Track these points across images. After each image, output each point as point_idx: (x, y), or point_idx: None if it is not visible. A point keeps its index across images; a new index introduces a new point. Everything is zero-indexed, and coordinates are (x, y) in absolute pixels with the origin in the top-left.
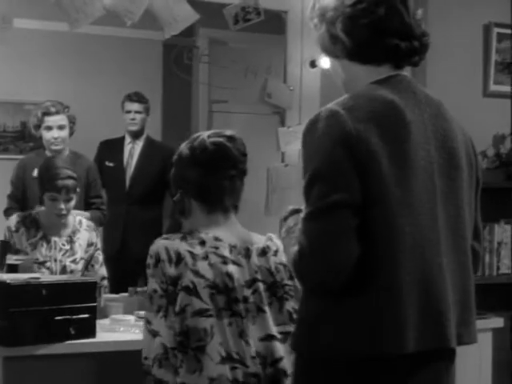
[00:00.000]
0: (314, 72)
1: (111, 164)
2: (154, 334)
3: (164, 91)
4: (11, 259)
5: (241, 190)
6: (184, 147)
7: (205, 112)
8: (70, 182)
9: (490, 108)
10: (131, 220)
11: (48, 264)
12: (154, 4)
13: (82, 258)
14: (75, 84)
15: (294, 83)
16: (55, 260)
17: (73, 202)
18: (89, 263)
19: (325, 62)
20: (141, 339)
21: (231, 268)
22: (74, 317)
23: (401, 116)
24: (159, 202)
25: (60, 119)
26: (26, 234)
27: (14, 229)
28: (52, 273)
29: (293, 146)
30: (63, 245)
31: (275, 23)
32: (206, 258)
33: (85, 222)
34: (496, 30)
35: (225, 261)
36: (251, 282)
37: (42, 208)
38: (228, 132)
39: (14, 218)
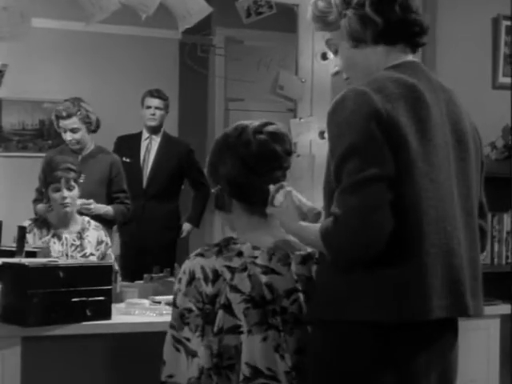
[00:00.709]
0: (326, 64)
1: (128, 159)
2: (193, 354)
3: (180, 89)
4: (30, 247)
5: None
6: (224, 137)
7: (221, 109)
8: (69, 172)
9: (499, 100)
10: (148, 214)
11: (62, 259)
12: None
13: (91, 254)
14: (92, 82)
15: (305, 75)
16: (67, 255)
17: (76, 191)
18: (102, 260)
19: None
20: (155, 321)
21: (271, 278)
22: (91, 299)
23: (422, 98)
24: (176, 196)
25: (72, 123)
26: (39, 233)
27: (27, 231)
28: None
29: (304, 136)
30: (74, 240)
31: (289, 22)
32: (244, 269)
33: (93, 222)
34: (505, 22)
35: (264, 271)
36: (291, 292)
37: (41, 205)
38: (274, 127)
39: (26, 222)
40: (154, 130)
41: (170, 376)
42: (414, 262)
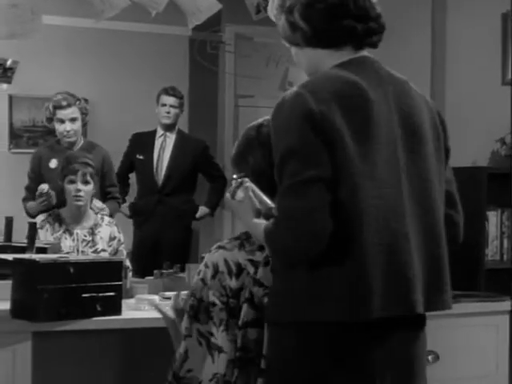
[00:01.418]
0: None
1: (141, 157)
2: (219, 349)
3: (190, 85)
4: (41, 243)
5: None
6: (257, 127)
7: (231, 106)
8: (86, 166)
9: (509, 96)
10: (163, 210)
11: (72, 255)
12: None
13: (103, 250)
14: (102, 79)
15: None
16: (78, 250)
17: (90, 187)
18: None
19: None
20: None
21: None
22: (101, 294)
23: (363, 95)
24: (191, 192)
25: (71, 112)
26: (51, 229)
27: (39, 226)
28: None
29: None
30: (85, 236)
31: None
32: (267, 263)
33: (106, 218)
34: None
35: None
36: None
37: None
38: None
39: (39, 217)
40: (169, 128)
41: (189, 370)
42: (353, 263)
